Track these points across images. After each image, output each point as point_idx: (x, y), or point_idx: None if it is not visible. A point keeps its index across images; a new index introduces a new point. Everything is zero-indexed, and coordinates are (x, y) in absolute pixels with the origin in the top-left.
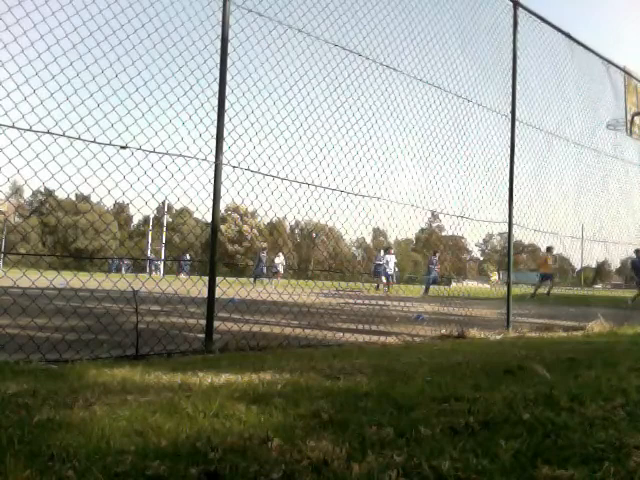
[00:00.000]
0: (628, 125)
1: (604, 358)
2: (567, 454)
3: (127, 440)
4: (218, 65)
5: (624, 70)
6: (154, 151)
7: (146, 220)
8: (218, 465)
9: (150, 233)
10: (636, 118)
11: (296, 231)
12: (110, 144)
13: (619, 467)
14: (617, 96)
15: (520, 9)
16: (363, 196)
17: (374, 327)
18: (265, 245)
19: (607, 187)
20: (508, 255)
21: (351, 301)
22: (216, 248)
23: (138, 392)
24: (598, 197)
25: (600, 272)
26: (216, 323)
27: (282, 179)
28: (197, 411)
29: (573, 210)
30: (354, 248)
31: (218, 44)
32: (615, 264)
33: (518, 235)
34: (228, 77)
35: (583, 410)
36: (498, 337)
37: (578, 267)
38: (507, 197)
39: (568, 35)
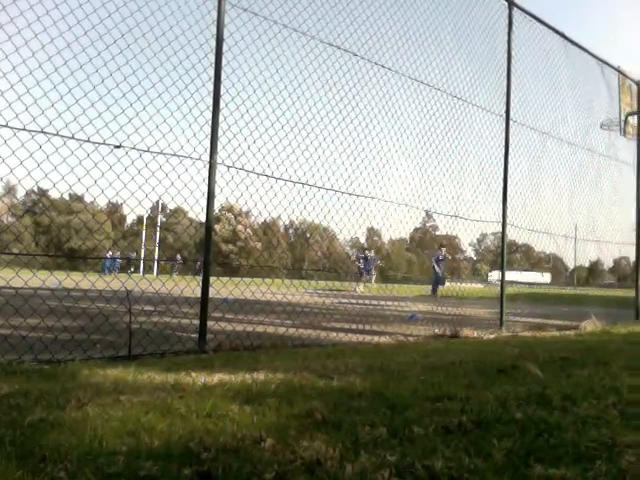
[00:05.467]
0: (622, 125)
1: (597, 357)
2: (560, 453)
3: (119, 441)
4: (213, 64)
5: (618, 70)
6: (148, 150)
7: (140, 219)
8: (211, 465)
9: (144, 232)
10: (630, 118)
11: (290, 231)
12: (104, 143)
13: (611, 466)
14: (611, 96)
15: (515, 9)
16: (357, 196)
17: (368, 327)
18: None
19: (601, 187)
20: (502, 255)
21: (345, 300)
22: (210, 248)
23: (131, 392)
24: (592, 197)
25: (593, 271)
26: (210, 323)
27: (276, 179)
28: (190, 411)
29: (567, 210)
30: (348, 248)
31: (213, 43)
32: (608, 263)
33: (512, 235)
34: (223, 76)
35: (575, 409)
36: (491, 336)
37: (571, 267)
38: (501, 197)
39: (563, 35)
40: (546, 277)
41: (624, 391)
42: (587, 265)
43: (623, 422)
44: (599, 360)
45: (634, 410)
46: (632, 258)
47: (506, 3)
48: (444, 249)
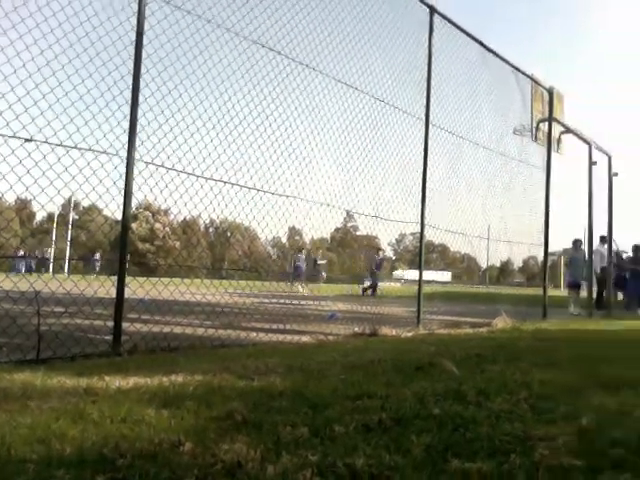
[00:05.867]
0: (534, 131)
1: (508, 353)
2: (475, 447)
3: (29, 448)
4: (132, 57)
5: (531, 78)
6: (61, 144)
7: (50, 217)
8: (127, 472)
9: (55, 230)
10: (541, 124)
11: (210, 230)
12: (14, 136)
13: (525, 459)
14: (524, 103)
15: (436, 15)
16: (280, 195)
17: (288, 326)
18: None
19: (513, 190)
20: (420, 255)
21: (266, 300)
22: (127, 247)
23: (40, 398)
24: (504, 199)
25: (504, 271)
26: (125, 324)
27: (197, 176)
28: (104, 417)
29: (481, 211)
30: (269, 247)
31: (133, 36)
32: (518, 263)
33: (429, 235)
34: (142, 70)
35: (490, 404)
36: (409, 334)
37: (484, 266)
38: (420, 198)
39: (481, 43)
40: (446, 276)
41: (534, 386)
42: (498, 265)
43: (535, 416)
44: (510, 356)
45: (544, 404)
46: (540, 258)
47: (428, 9)
48: (382, 252)
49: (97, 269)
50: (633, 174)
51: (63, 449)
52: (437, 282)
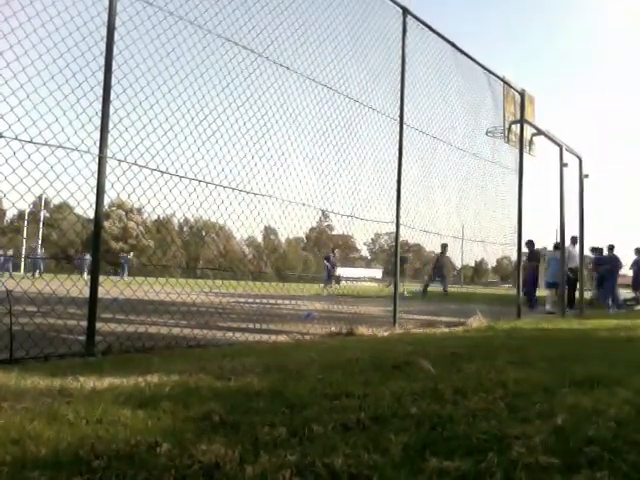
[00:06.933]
0: (506, 133)
1: (483, 352)
2: (453, 446)
3: (3, 450)
4: (103, 53)
5: (503, 80)
6: (31, 141)
7: (21, 215)
8: (103, 474)
9: (26, 228)
10: (513, 126)
11: (185, 229)
12: None
13: (502, 457)
14: (496, 105)
15: (409, 16)
16: (255, 194)
17: (265, 326)
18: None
19: (486, 190)
20: (395, 254)
21: (242, 300)
22: (99, 245)
23: (14, 399)
24: (478, 200)
25: (478, 270)
26: (98, 324)
27: (171, 175)
28: (79, 417)
29: (455, 211)
30: (245, 247)
31: (104, 31)
32: (492, 263)
33: (405, 235)
34: (114, 66)
35: (466, 402)
36: (385, 334)
37: (459, 266)
38: (395, 198)
39: (453, 44)
40: (378, 272)
41: (510, 384)
42: (472, 264)
43: (511, 414)
44: (486, 355)
45: (520, 403)
46: (513, 258)
47: (401, 10)
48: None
49: (86, 269)
50: (603, 176)
51: (38, 450)
52: (366, 279)
